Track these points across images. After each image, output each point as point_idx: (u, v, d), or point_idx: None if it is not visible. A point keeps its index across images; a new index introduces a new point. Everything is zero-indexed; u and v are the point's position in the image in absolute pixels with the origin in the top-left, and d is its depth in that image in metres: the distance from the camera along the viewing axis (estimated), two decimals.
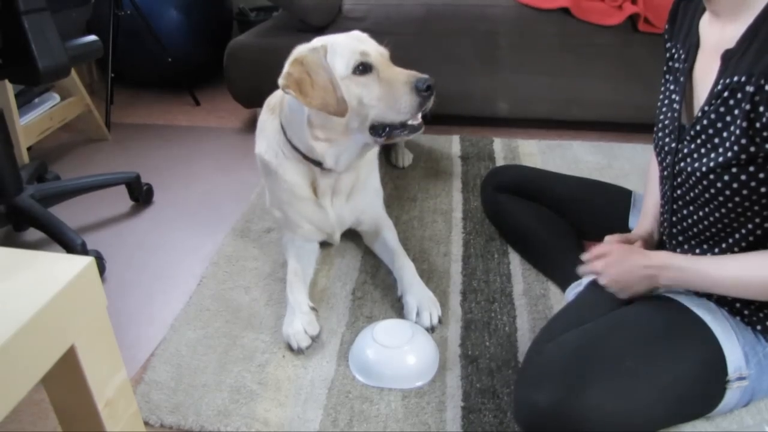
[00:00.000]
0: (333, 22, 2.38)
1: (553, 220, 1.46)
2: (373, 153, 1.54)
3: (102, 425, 0.65)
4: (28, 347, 0.53)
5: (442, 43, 2.31)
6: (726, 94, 0.89)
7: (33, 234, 1.77)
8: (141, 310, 1.48)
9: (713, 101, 0.92)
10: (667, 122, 1.06)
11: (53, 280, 0.57)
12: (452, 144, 2.26)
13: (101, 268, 1.61)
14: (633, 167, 2.03)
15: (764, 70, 0.82)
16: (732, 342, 0.95)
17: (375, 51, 1.29)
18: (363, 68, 1.25)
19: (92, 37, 1.68)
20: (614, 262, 1.06)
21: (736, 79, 0.87)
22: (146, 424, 1.14)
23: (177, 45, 2.75)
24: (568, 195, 1.47)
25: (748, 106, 0.84)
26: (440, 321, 1.34)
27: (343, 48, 1.25)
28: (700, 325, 0.96)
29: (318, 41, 1.29)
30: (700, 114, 0.95)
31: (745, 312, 0.98)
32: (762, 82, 0.83)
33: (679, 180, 1.02)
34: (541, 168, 1.68)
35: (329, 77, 1.22)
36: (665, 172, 1.07)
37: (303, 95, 1.21)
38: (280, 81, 1.25)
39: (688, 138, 0.98)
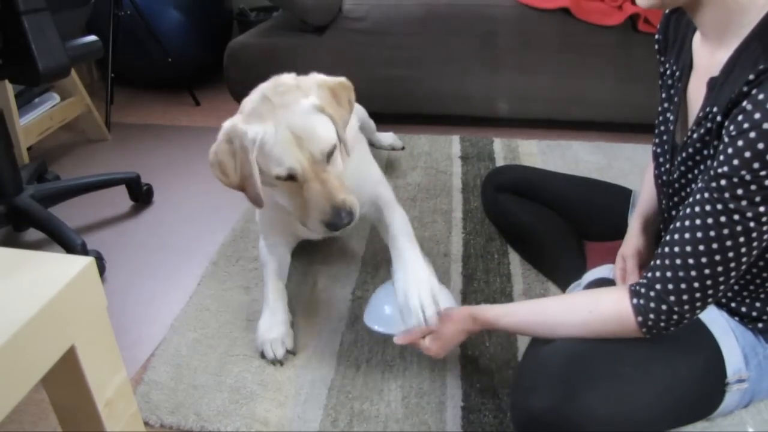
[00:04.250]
0: (333, 21, 2.38)
1: (553, 220, 1.46)
2: (361, 144, 1.54)
3: (102, 425, 0.65)
4: (28, 347, 0.53)
5: (442, 43, 2.31)
6: (706, 123, 0.87)
7: (33, 234, 1.77)
8: (141, 310, 1.48)
9: (695, 128, 0.90)
10: (663, 138, 1.04)
11: (53, 280, 0.57)
12: (452, 144, 2.26)
13: (101, 268, 1.61)
14: (633, 167, 2.03)
15: (723, 105, 0.80)
16: (731, 344, 0.95)
17: (308, 160, 1.14)
18: (287, 177, 1.16)
19: (92, 37, 1.68)
20: (440, 340, 1.08)
21: (715, 109, 0.84)
22: (146, 424, 1.14)
23: (177, 45, 2.76)
24: (568, 195, 1.47)
25: (716, 141, 0.84)
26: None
27: (271, 152, 1.14)
28: (699, 327, 0.96)
29: (253, 129, 1.15)
30: (686, 138, 0.93)
31: (743, 310, 0.97)
32: (719, 118, 0.81)
33: (675, 199, 1.02)
34: (541, 168, 1.68)
35: (251, 169, 1.16)
36: (660, 181, 1.07)
37: (223, 175, 1.23)
38: (210, 158, 1.23)
39: (680, 159, 0.97)
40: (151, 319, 1.44)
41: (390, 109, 2.41)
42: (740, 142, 0.75)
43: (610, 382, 0.89)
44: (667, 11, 1.06)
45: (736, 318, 0.98)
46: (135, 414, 0.72)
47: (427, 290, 1.14)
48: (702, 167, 0.91)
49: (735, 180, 0.76)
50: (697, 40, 0.96)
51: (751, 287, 0.95)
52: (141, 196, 1.96)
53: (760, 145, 0.73)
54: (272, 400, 1.18)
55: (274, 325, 1.30)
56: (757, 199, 0.76)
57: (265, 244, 1.52)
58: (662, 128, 1.05)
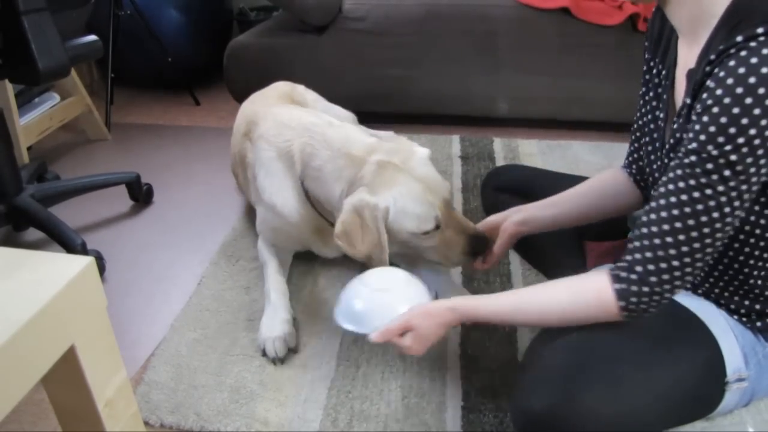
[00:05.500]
0: (333, 21, 2.38)
1: None
2: None
3: (102, 425, 0.66)
4: (28, 347, 0.53)
5: (442, 43, 2.31)
6: (683, 111, 0.89)
7: (33, 234, 1.77)
8: (141, 310, 1.48)
9: (675, 119, 0.92)
10: (654, 136, 1.05)
11: (53, 280, 0.57)
12: (452, 144, 2.26)
13: (101, 268, 1.61)
14: None
15: (690, 89, 0.84)
16: (731, 343, 0.95)
17: (442, 202, 1.23)
18: (434, 228, 1.22)
19: (92, 37, 1.68)
20: (420, 338, 1.02)
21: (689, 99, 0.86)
22: (146, 424, 1.14)
23: (177, 45, 2.75)
24: None
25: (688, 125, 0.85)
26: None
27: (414, 211, 1.20)
28: (698, 326, 0.96)
29: (383, 198, 1.19)
30: (669, 133, 0.95)
31: (742, 311, 0.98)
32: (688, 101, 0.84)
33: None
34: (541, 168, 1.68)
35: (380, 238, 1.19)
36: (651, 179, 1.07)
37: (350, 246, 1.21)
38: (337, 229, 1.20)
39: (664, 152, 0.98)
40: (151, 319, 1.44)
41: (390, 109, 2.41)
42: (705, 118, 0.77)
43: (609, 382, 0.89)
44: (654, 9, 1.07)
45: (735, 317, 0.98)
46: (135, 414, 0.72)
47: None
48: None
49: (704, 155, 0.78)
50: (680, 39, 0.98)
51: (736, 283, 0.95)
52: (141, 196, 1.96)
53: (723, 119, 0.75)
54: (272, 400, 1.18)
55: (276, 323, 1.30)
56: (726, 173, 0.77)
57: (265, 245, 1.52)
58: (652, 126, 1.06)
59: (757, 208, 0.87)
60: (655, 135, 1.04)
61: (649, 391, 0.90)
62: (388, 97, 2.40)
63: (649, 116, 1.07)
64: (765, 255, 0.91)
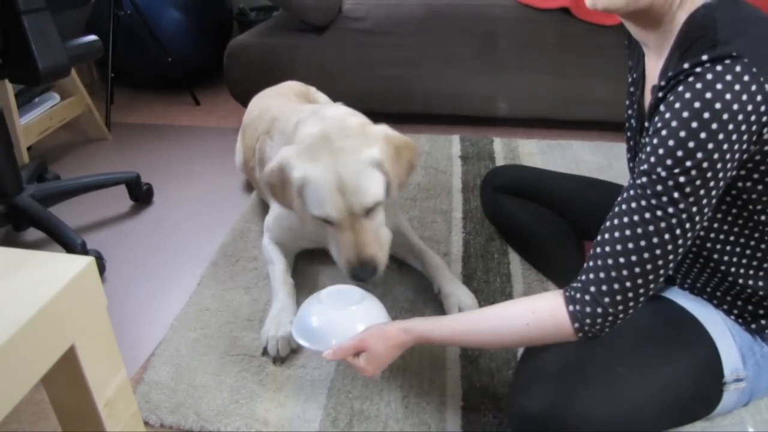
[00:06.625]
0: (333, 21, 2.38)
1: (552, 220, 1.46)
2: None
3: (102, 425, 0.65)
4: (28, 347, 0.53)
5: (442, 43, 2.31)
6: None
7: (33, 234, 1.77)
8: (141, 310, 1.48)
9: (643, 133, 0.92)
10: (630, 144, 1.05)
11: (53, 280, 0.57)
12: (452, 144, 2.26)
13: (101, 268, 1.61)
14: None
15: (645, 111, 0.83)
16: (728, 343, 0.95)
17: (347, 210, 1.16)
18: (324, 220, 1.21)
19: (92, 37, 1.68)
20: (374, 359, 1.01)
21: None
22: (146, 424, 1.14)
23: (177, 45, 2.76)
24: (568, 195, 1.47)
25: None
26: None
27: (315, 194, 1.17)
28: (696, 327, 0.96)
29: (301, 168, 1.17)
30: (639, 145, 0.95)
31: (736, 311, 0.98)
32: (646, 124, 0.84)
33: None
34: (541, 168, 1.68)
35: (294, 200, 1.22)
36: None
37: (273, 195, 1.28)
38: (264, 175, 1.27)
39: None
40: (151, 319, 1.44)
41: (390, 109, 2.41)
42: (655, 140, 0.79)
43: (605, 383, 0.89)
44: None
45: (732, 317, 0.98)
46: (135, 414, 0.72)
47: (473, 301, 1.36)
48: None
49: (653, 177, 0.79)
50: None
51: (726, 285, 0.95)
52: (141, 195, 1.96)
53: (671, 142, 0.76)
54: (272, 400, 1.18)
55: (283, 323, 1.30)
56: (676, 195, 0.78)
57: (272, 243, 1.52)
58: (629, 134, 1.06)
59: (725, 217, 0.88)
60: (631, 143, 1.05)
61: (645, 392, 0.90)
62: (388, 96, 2.40)
63: (626, 124, 1.08)
64: (744, 261, 0.92)
